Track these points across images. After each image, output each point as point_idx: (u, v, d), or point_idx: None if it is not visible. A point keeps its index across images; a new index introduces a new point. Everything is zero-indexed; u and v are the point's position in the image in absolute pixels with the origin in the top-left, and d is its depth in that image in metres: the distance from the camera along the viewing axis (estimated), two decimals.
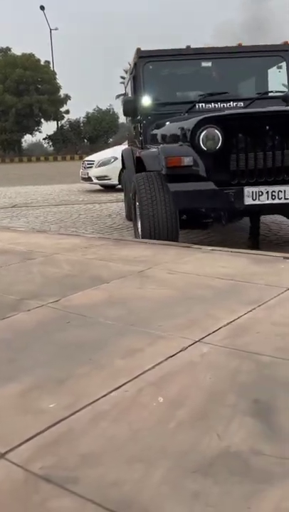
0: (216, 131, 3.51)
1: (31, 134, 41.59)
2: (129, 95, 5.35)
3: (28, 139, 43.13)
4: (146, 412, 1.25)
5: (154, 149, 3.80)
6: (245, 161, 3.57)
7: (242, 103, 4.52)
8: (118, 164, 10.77)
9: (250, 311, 2.00)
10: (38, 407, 1.29)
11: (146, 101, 4.64)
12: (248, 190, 3.43)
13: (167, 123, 4.40)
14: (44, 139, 41.29)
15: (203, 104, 4.56)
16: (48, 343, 1.76)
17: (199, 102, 4.55)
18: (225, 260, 3.02)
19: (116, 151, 11.51)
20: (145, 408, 1.27)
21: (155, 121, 4.62)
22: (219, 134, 3.50)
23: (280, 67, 4.90)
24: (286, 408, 1.22)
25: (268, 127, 3.56)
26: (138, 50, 4.78)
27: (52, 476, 1.00)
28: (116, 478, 0.99)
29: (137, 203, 3.99)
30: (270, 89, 4.93)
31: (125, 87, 6.30)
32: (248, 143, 3.57)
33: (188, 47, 4.87)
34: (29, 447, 1.11)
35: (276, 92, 4.76)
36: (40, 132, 42.02)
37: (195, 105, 4.53)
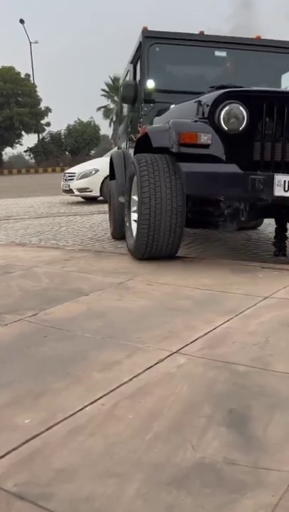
0: (241, 108, 2.93)
1: (12, 146, 41.47)
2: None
3: (8, 152, 42.96)
4: (122, 425, 1.25)
5: (163, 124, 3.14)
6: (273, 147, 3.02)
7: None
8: (99, 176, 10.83)
9: (227, 321, 2.02)
10: (14, 423, 1.28)
11: (150, 84, 3.98)
12: (279, 178, 2.87)
13: (172, 106, 3.83)
14: (25, 151, 41.16)
15: None
16: (25, 357, 1.75)
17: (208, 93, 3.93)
18: (204, 270, 3.04)
19: (97, 163, 11.56)
20: (121, 421, 1.27)
21: (157, 110, 4.05)
22: (244, 112, 2.93)
23: None
24: (260, 417, 1.23)
25: None
26: (144, 29, 4.23)
27: (25, 493, 0.99)
28: (90, 493, 0.98)
29: (134, 196, 3.38)
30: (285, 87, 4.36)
31: (124, 76, 5.53)
32: (277, 126, 3.00)
33: (201, 32, 4.30)
34: (2, 465, 1.09)
35: None
36: (21, 145, 41.91)
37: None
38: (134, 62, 4.68)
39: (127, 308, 2.31)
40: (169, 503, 0.94)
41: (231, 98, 2.97)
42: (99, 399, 1.39)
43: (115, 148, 7.55)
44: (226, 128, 2.94)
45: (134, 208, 3.44)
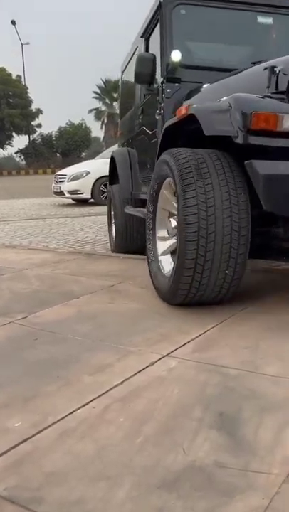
0: None
1: (2, 148, 41.31)
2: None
3: None
4: (113, 428, 1.25)
5: (218, 102, 2.11)
6: None
7: None
8: (90, 178, 10.83)
9: (219, 323, 2.03)
10: (4, 426, 1.28)
11: (175, 56, 2.99)
12: None
13: (205, 85, 2.90)
14: (16, 152, 41.03)
15: None
16: (16, 360, 1.74)
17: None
18: None
19: (88, 166, 11.56)
20: (112, 424, 1.27)
21: (184, 91, 3.07)
22: None
23: None
24: (250, 420, 1.24)
25: None
26: None
27: (16, 497, 0.98)
28: (80, 496, 0.98)
29: (163, 212, 2.42)
30: None
31: (131, 56, 4.51)
32: None
33: None
34: None
35: None
36: (11, 146, 41.76)
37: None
38: (147, 34, 3.75)
39: (119, 311, 2.31)
40: (159, 506, 0.94)
41: None
42: (90, 402, 1.39)
43: (113, 147, 7.04)
44: None
45: (161, 233, 2.48)
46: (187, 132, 2.37)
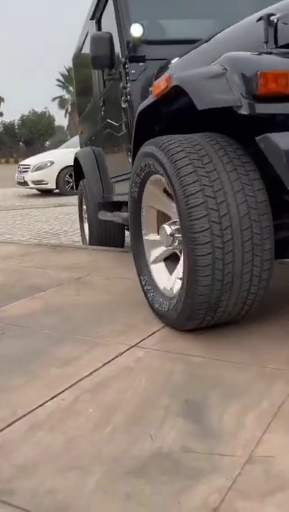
0: None
1: None
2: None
3: None
4: (82, 419, 1.27)
5: (210, 67, 1.66)
6: None
7: None
8: (55, 169, 10.71)
9: None
10: None
11: (136, 31, 2.58)
12: None
13: (174, 60, 2.45)
14: None
15: None
16: None
17: None
18: None
19: (52, 155, 11.42)
20: (81, 415, 1.29)
21: (151, 71, 2.65)
22: None
23: None
24: (215, 406, 1.29)
25: None
26: None
27: None
28: (51, 487, 1.01)
29: (174, 209, 1.74)
30: None
31: (82, 43, 4.12)
32: None
33: None
34: None
35: None
36: None
37: None
38: (97, 14, 3.43)
39: (86, 303, 2.33)
40: (128, 492, 0.98)
41: None
42: (59, 394, 1.41)
43: (72, 140, 6.74)
44: None
45: (152, 236, 2.11)
46: (168, 114, 2.06)
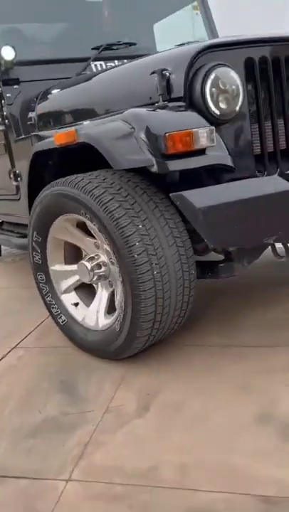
0: (232, 74, 1.76)
1: None
2: None
3: None
4: None
5: (110, 122, 1.78)
6: (275, 131, 1.90)
7: None
8: None
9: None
10: None
11: (7, 54, 2.56)
12: None
13: (54, 91, 2.58)
14: None
15: (102, 63, 2.81)
16: None
17: (96, 59, 2.78)
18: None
19: None
20: None
21: (28, 92, 2.69)
22: (238, 81, 1.77)
23: (195, 8, 3.39)
24: (82, 382, 1.82)
25: None
26: None
27: None
28: None
29: (104, 253, 1.93)
30: (188, 40, 2.80)
31: None
32: (284, 98, 1.92)
33: None
34: None
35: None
36: None
37: (89, 64, 2.76)
38: None
39: None
40: (29, 448, 1.46)
41: (216, 57, 1.78)
42: None
43: None
44: (216, 112, 1.75)
45: (58, 267, 2.18)
46: (63, 153, 2.15)
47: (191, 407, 1.57)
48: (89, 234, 1.97)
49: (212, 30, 3.37)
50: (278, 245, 1.97)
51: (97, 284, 2.03)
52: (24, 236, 2.94)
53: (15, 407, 1.71)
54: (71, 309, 2.13)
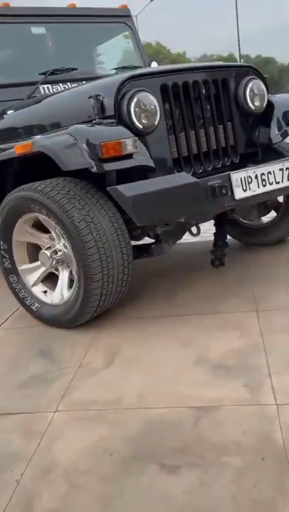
0: (151, 97, 2.35)
1: None
2: None
3: None
4: None
5: (59, 135, 2.27)
6: (188, 139, 2.51)
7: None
8: None
9: None
10: None
11: None
12: (236, 176, 2.34)
13: (9, 112, 3.12)
14: None
15: (49, 86, 3.35)
16: None
17: (43, 82, 3.29)
18: None
19: None
20: None
21: None
22: (155, 102, 2.36)
23: (126, 37, 4.01)
24: (58, 348, 2.25)
25: (209, 89, 2.60)
26: None
27: None
28: None
29: (58, 242, 2.41)
30: (122, 65, 3.88)
31: None
32: (192, 114, 2.53)
33: (5, 4, 3.56)
34: None
35: (133, 67, 3.63)
36: None
37: (38, 87, 3.28)
38: None
39: None
40: (22, 395, 1.89)
41: (138, 85, 2.37)
42: None
43: None
44: (139, 126, 2.31)
45: (25, 266, 2.63)
46: (20, 162, 2.62)
47: (145, 359, 2.05)
48: (43, 231, 2.48)
49: (142, 55, 4.02)
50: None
51: (57, 269, 2.50)
52: None
53: (3, 371, 2.12)
54: (41, 296, 2.60)
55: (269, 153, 2.78)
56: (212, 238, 2.90)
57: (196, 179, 2.21)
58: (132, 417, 1.67)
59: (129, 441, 1.55)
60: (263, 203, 2.96)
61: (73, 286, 2.32)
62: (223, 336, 2.15)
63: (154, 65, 3.73)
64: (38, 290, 2.61)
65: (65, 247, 2.36)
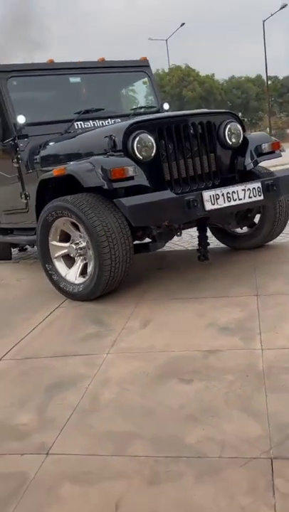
0: (149, 137, 3.31)
1: None
2: None
3: None
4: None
5: (83, 163, 3.28)
6: (178, 167, 3.46)
7: (120, 120, 4.37)
8: None
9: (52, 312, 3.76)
10: None
11: (21, 120, 4.07)
12: (206, 194, 3.17)
13: (51, 143, 4.15)
14: None
15: (82, 123, 4.34)
16: None
17: (77, 120, 4.30)
18: None
19: None
20: (54, 330, 2.90)
21: (32, 143, 4.22)
22: (152, 140, 3.32)
23: (145, 83, 5.10)
24: (107, 320, 3.01)
25: (196, 129, 3.54)
26: None
27: None
28: None
29: (81, 239, 3.40)
30: (140, 105, 5.14)
31: None
32: (182, 148, 3.48)
33: (50, 61, 4.65)
34: None
35: (148, 107, 5.01)
36: None
37: (73, 124, 4.28)
38: None
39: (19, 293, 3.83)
40: (80, 345, 2.66)
41: (140, 128, 3.34)
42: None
43: None
44: (140, 157, 3.27)
45: (58, 252, 3.58)
46: (56, 181, 3.56)
47: (171, 324, 2.80)
48: (77, 229, 3.44)
49: (156, 97, 5.11)
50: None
51: (77, 257, 3.50)
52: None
53: (66, 332, 2.90)
54: (59, 269, 3.58)
55: (248, 175, 3.72)
56: (220, 246, 3.84)
57: (175, 195, 3.16)
58: (160, 356, 2.42)
59: (159, 367, 2.30)
60: (244, 215, 3.97)
61: (88, 274, 3.33)
62: (228, 311, 2.89)
63: (166, 105, 4.85)
64: (58, 264, 3.61)
65: (88, 247, 3.31)
